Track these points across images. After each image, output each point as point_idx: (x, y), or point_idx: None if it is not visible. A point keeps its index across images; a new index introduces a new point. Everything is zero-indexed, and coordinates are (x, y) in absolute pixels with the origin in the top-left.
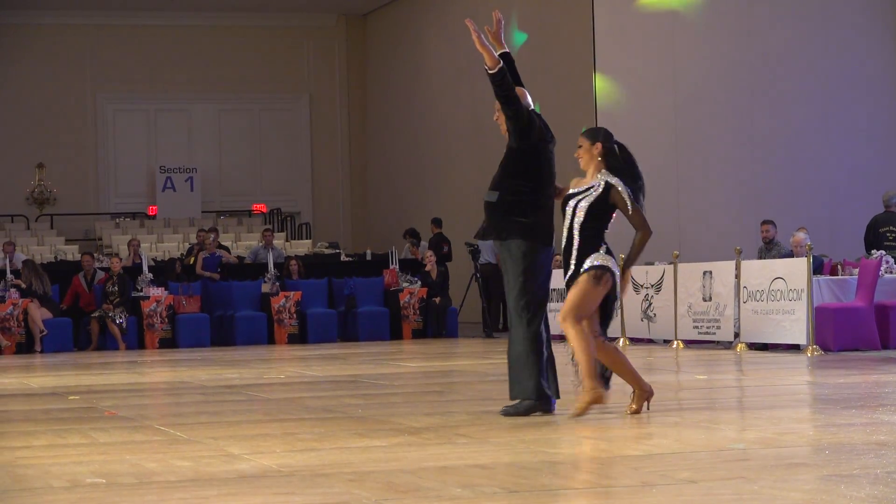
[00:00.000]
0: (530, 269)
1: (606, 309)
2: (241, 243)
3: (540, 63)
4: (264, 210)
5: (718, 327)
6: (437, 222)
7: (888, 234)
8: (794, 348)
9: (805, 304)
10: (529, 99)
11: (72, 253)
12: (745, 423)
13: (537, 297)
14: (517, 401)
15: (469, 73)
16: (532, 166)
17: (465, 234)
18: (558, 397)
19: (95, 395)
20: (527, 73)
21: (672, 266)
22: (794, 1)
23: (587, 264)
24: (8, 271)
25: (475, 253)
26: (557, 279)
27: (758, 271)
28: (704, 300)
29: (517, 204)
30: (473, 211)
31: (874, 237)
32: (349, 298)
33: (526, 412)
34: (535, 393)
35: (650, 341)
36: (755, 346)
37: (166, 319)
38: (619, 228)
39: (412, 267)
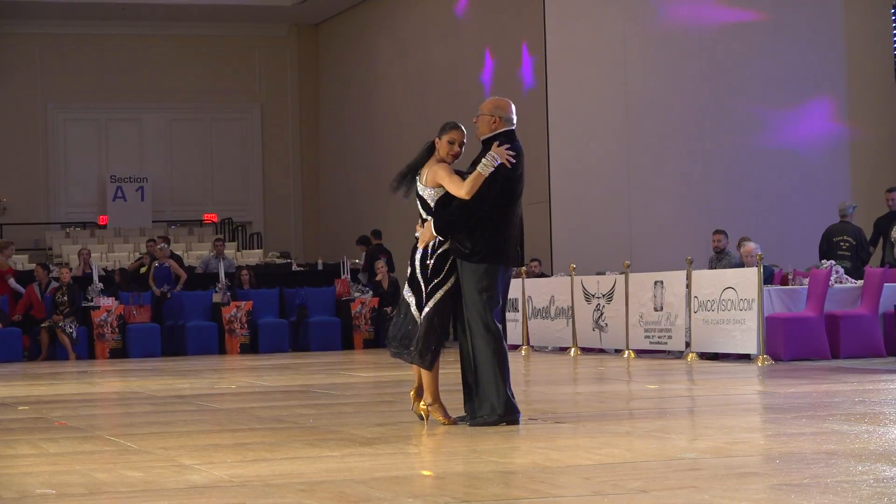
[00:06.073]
0: (491, 286)
1: None
2: (192, 253)
3: (495, 77)
4: (215, 220)
5: (670, 337)
6: (376, 234)
7: (841, 244)
8: (745, 358)
9: (755, 314)
10: (513, 112)
11: (21, 262)
12: (695, 432)
13: (498, 314)
14: (483, 416)
15: (421, 83)
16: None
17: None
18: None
19: (45, 405)
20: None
21: (623, 276)
22: (745, 14)
23: None
24: None
25: None
26: (515, 289)
27: (708, 281)
28: (656, 310)
29: (479, 222)
30: None
31: (828, 247)
32: (300, 308)
33: (495, 424)
34: (503, 407)
35: (601, 351)
36: (706, 356)
37: (117, 329)
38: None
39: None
